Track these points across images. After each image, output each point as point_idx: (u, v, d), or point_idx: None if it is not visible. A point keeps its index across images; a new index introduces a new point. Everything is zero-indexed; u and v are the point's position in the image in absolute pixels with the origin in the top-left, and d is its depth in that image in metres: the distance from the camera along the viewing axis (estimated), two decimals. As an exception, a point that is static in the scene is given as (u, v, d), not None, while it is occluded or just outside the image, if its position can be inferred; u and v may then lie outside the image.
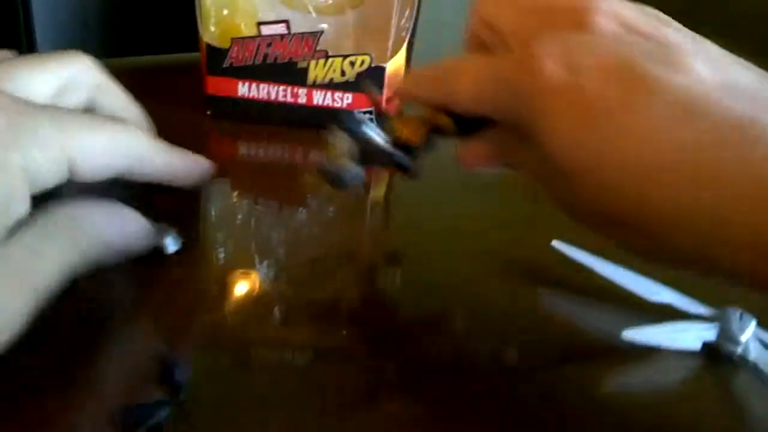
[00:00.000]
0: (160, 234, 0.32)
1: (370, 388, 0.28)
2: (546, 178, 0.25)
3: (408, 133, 0.29)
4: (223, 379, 0.27)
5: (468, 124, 0.27)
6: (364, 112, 0.48)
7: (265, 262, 0.35)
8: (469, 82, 0.26)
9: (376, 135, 0.29)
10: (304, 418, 0.26)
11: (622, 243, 0.24)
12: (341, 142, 0.29)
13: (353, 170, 0.29)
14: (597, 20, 0.23)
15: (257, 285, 0.33)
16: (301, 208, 0.42)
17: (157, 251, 0.32)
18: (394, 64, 0.47)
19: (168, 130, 0.49)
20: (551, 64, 0.22)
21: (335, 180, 0.29)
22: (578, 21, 0.24)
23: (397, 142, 0.29)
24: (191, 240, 0.34)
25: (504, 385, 0.29)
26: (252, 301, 0.32)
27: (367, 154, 0.29)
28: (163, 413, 0.24)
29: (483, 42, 0.27)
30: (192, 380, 0.25)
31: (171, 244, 0.32)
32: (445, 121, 0.28)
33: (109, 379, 0.26)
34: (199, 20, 0.46)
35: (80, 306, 0.31)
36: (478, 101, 0.26)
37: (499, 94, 0.25)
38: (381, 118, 0.30)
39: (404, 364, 0.30)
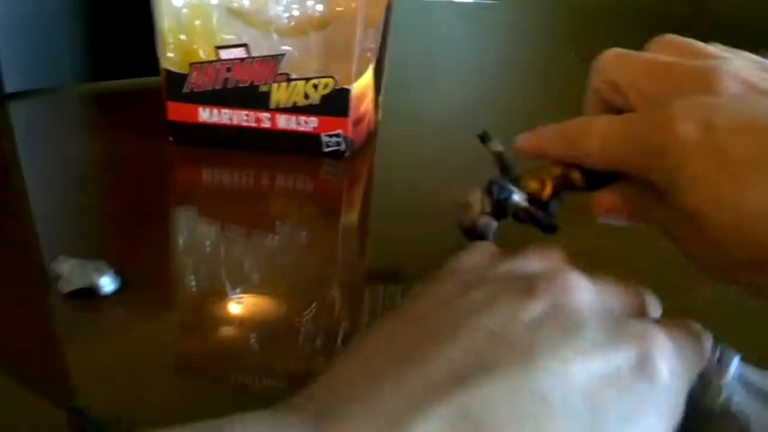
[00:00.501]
0: (96, 273, 0.31)
1: None
2: (680, 232, 0.26)
3: (538, 187, 0.30)
4: None
5: (598, 179, 0.29)
6: (331, 135, 0.47)
7: (236, 288, 0.34)
8: (600, 141, 0.27)
9: (514, 194, 0.30)
10: None
11: (759, 287, 0.25)
12: (477, 199, 0.30)
13: (493, 225, 0.30)
14: (723, 83, 0.25)
15: (227, 310, 0.32)
16: (270, 234, 0.41)
17: (92, 291, 0.31)
18: (360, 86, 0.46)
19: (131, 156, 0.48)
20: (687, 124, 0.24)
21: (478, 236, 0.30)
22: (705, 83, 0.25)
23: (529, 198, 0.30)
24: (137, 275, 0.33)
25: None
26: (224, 326, 0.31)
27: (504, 210, 0.30)
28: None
29: (605, 100, 0.29)
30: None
31: (106, 285, 0.31)
32: (575, 176, 0.29)
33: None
34: (157, 46, 0.45)
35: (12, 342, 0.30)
36: (610, 159, 0.27)
37: (632, 153, 0.26)
38: (505, 172, 0.31)
39: None
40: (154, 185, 0.45)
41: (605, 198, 0.29)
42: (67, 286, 0.31)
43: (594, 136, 0.28)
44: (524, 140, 0.31)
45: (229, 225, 0.41)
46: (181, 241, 0.39)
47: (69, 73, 0.56)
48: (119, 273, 0.32)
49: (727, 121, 0.24)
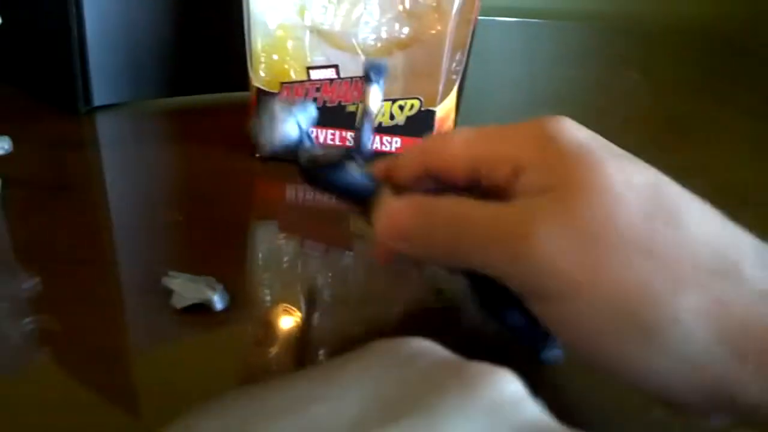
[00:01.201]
0: (207, 290, 0.32)
1: None
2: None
3: None
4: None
5: None
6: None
7: (316, 312, 0.35)
8: (462, 141, 0.28)
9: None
10: None
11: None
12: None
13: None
14: None
15: (300, 326, 0.33)
16: (347, 251, 0.41)
17: (204, 307, 0.32)
18: (444, 108, 0.47)
19: (217, 171, 0.50)
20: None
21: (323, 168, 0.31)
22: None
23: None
24: (239, 293, 0.34)
25: None
26: (293, 341, 0.31)
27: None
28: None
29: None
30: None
31: (219, 302, 0.32)
32: None
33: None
34: (249, 65, 0.46)
35: (127, 363, 0.31)
36: (471, 159, 0.28)
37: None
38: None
39: None
40: (243, 200, 0.46)
41: None
42: (181, 302, 0.32)
43: (456, 139, 0.28)
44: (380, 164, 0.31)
45: (322, 243, 0.42)
46: (282, 258, 0.40)
47: (154, 87, 0.57)
48: (227, 289, 0.33)
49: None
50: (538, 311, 0.24)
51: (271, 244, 0.42)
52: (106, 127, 0.56)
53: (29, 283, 0.35)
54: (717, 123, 0.60)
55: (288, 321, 0.33)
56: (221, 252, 0.39)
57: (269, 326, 0.33)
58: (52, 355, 0.30)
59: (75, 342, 0.31)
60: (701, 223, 0.23)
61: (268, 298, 0.35)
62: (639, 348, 0.22)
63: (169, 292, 0.33)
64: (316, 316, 0.34)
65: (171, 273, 0.33)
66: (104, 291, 0.35)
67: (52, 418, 0.27)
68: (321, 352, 0.32)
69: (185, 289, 0.32)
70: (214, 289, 0.32)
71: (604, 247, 0.22)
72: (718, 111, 0.63)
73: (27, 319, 0.33)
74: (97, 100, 0.55)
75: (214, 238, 0.41)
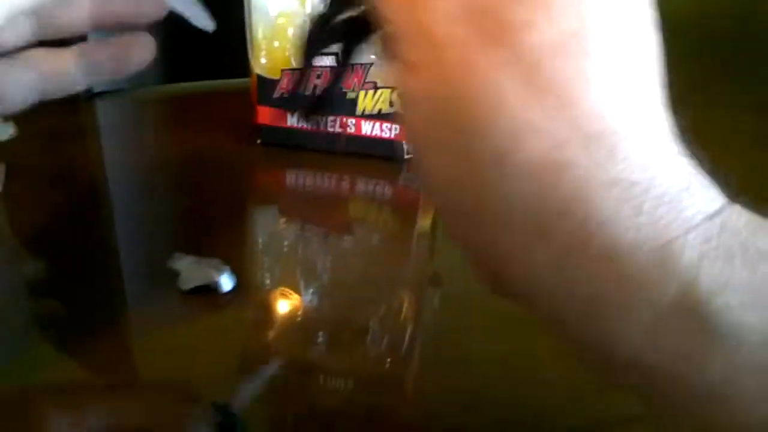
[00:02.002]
0: (214, 271, 0.33)
1: (419, 414, 0.28)
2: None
3: None
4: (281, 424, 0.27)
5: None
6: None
7: (310, 289, 0.35)
8: None
9: None
10: None
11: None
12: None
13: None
14: None
15: (300, 310, 0.33)
16: (347, 236, 0.42)
17: (210, 289, 0.33)
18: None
19: (219, 156, 0.50)
20: None
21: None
22: None
23: None
24: (242, 275, 0.34)
25: None
26: (294, 326, 0.32)
27: None
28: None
29: None
30: (246, 428, 0.25)
31: (226, 283, 0.33)
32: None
33: (160, 424, 0.26)
34: (249, 51, 0.47)
35: (134, 345, 0.32)
36: None
37: None
38: None
39: (452, 393, 0.29)
40: (244, 185, 0.47)
41: None
42: (187, 284, 0.33)
43: None
44: None
45: (322, 227, 0.42)
46: (283, 242, 0.41)
47: (154, 73, 0.58)
48: (234, 271, 0.34)
49: None
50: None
51: (272, 229, 0.43)
52: (106, 113, 0.56)
53: (33, 269, 0.36)
54: (710, 115, 0.61)
55: (290, 303, 0.34)
56: (223, 236, 0.40)
57: (272, 308, 0.34)
58: (58, 340, 0.31)
59: (81, 326, 0.31)
60: None
61: (269, 281, 0.36)
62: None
63: (175, 274, 0.33)
64: (316, 299, 0.35)
65: (177, 255, 0.34)
66: (109, 275, 0.36)
67: (59, 403, 0.27)
68: (320, 334, 0.32)
69: (191, 270, 0.33)
70: (220, 271, 0.33)
71: None
72: (707, 104, 0.64)
73: (32, 305, 0.33)
74: (97, 86, 0.56)
75: (216, 222, 0.41)
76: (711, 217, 0.17)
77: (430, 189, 0.20)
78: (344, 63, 0.27)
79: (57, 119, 0.53)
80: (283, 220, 0.44)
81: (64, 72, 0.28)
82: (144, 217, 0.42)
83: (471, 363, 0.31)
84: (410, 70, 0.19)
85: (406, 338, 0.33)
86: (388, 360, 0.31)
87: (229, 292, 0.33)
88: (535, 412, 0.28)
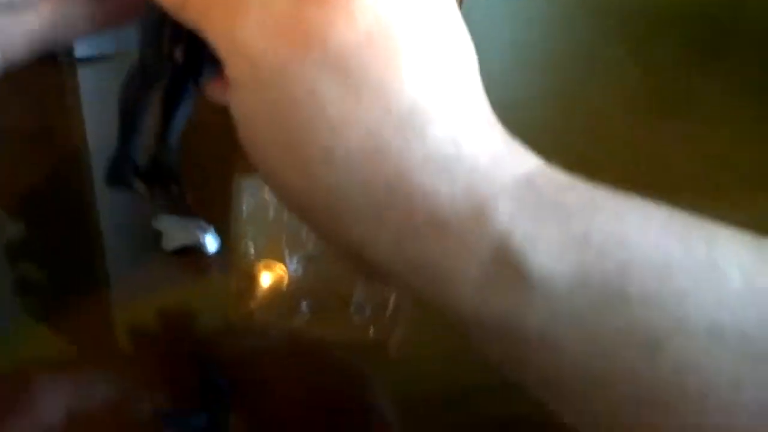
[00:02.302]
0: (199, 231, 0.32)
1: (403, 379, 0.28)
2: None
3: None
4: (266, 386, 0.26)
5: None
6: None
7: (294, 258, 0.34)
8: None
9: None
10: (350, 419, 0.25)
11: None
12: None
13: None
14: None
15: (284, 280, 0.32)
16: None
17: (195, 250, 0.32)
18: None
19: (203, 120, 0.48)
20: None
21: None
22: None
23: None
24: (227, 238, 0.33)
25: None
26: (278, 295, 0.31)
27: None
28: (201, 419, 0.23)
29: None
30: (233, 388, 0.24)
31: (211, 244, 0.32)
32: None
33: (147, 384, 0.26)
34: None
35: (117, 307, 0.31)
36: None
37: None
38: None
39: (436, 358, 0.29)
40: (232, 151, 0.46)
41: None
42: (171, 244, 0.32)
43: None
44: None
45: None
46: (268, 210, 0.40)
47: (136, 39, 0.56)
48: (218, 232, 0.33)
49: None
50: None
51: (257, 197, 0.42)
52: (87, 76, 0.54)
53: (12, 231, 0.35)
54: (701, 97, 0.61)
55: (275, 271, 0.33)
56: (208, 202, 0.39)
57: (257, 275, 0.33)
58: (39, 303, 0.30)
59: (62, 288, 0.30)
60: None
61: (253, 248, 0.35)
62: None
63: (158, 235, 0.32)
64: (301, 267, 0.34)
65: (160, 215, 0.33)
66: (90, 237, 0.35)
67: (41, 368, 0.27)
68: (304, 303, 0.32)
69: (175, 230, 0.32)
70: (205, 231, 0.32)
71: None
72: (703, 86, 0.64)
73: (11, 269, 0.32)
74: (79, 51, 0.54)
75: (201, 188, 0.40)
76: (520, 180, 0.19)
77: (277, 193, 0.22)
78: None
79: (37, 82, 0.52)
80: (268, 187, 0.43)
81: (70, 18, 0.27)
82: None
83: (455, 329, 0.30)
84: (234, 87, 0.20)
85: (390, 305, 0.32)
86: (372, 327, 0.31)
87: (214, 256, 0.32)
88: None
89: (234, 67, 0.20)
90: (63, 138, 0.45)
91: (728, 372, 0.16)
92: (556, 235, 0.18)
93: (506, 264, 0.18)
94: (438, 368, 0.28)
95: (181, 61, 0.27)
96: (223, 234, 0.33)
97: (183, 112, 0.29)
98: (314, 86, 0.19)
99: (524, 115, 0.54)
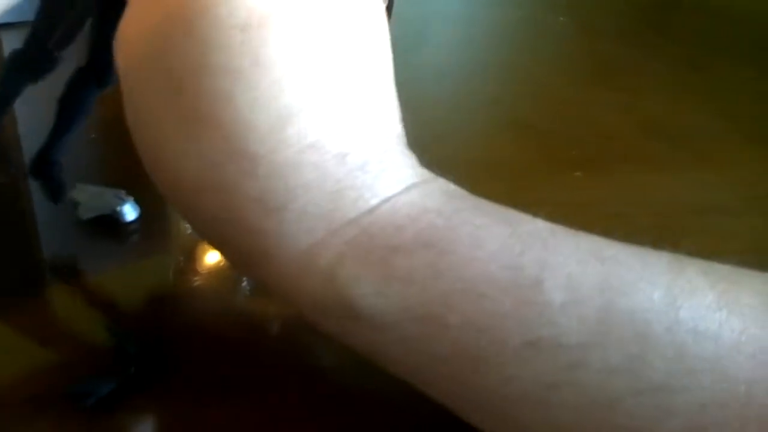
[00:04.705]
0: (116, 200, 0.30)
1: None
2: None
3: None
4: (179, 352, 0.25)
5: None
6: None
7: None
8: None
9: None
10: (266, 390, 0.24)
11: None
12: None
13: None
14: None
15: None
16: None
17: (113, 220, 0.30)
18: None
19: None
20: None
21: None
22: None
23: None
24: (148, 208, 0.32)
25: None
26: (214, 272, 0.30)
27: None
28: (110, 385, 0.22)
29: None
30: (143, 352, 0.24)
31: (129, 213, 0.30)
32: None
33: (59, 350, 0.25)
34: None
35: (32, 271, 0.29)
36: None
37: None
38: None
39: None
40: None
41: None
42: (87, 213, 0.30)
43: None
44: None
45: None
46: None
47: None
48: (138, 202, 0.31)
49: None
50: None
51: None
52: (11, 42, 0.52)
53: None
54: (643, 68, 0.61)
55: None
56: (131, 168, 0.37)
57: (180, 244, 0.32)
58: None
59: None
60: None
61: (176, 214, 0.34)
62: None
63: (75, 204, 0.31)
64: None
65: (78, 186, 0.31)
66: (9, 204, 0.33)
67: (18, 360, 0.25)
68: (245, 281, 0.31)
69: (92, 200, 0.31)
70: (123, 200, 0.30)
71: None
72: (644, 57, 0.64)
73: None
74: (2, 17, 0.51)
75: (124, 154, 0.38)
76: (352, 221, 0.19)
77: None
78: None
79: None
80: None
81: None
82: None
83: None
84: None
85: None
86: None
87: (133, 224, 0.31)
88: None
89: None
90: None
91: (544, 378, 0.18)
92: (380, 274, 0.19)
93: (332, 301, 0.19)
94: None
95: (84, 64, 0.27)
96: (146, 202, 0.32)
97: (81, 115, 0.28)
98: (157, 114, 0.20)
99: (471, 86, 0.53)
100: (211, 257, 0.31)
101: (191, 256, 0.31)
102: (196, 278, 0.30)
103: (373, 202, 0.19)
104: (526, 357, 0.18)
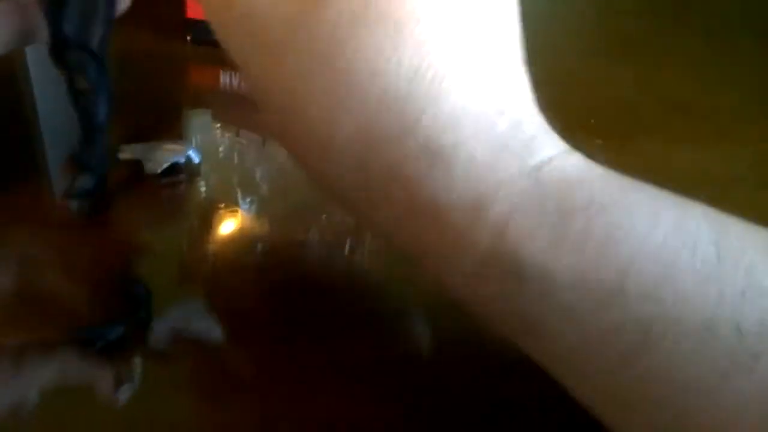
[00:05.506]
0: (178, 148, 0.31)
1: (352, 322, 0.27)
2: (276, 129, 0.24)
3: None
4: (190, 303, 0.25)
5: None
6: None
7: (247, 198, 0.33)
8: None
9: None
10: (266, 350, 0.24)
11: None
12: None
13: None
14: None
15: (237, 220, 0.31)
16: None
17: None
18: None
19: (145, 55, 0.46)
20: None
21: None
22: None
23: None
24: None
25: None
26: (231, 236, 0.30)
27: None
28: (118, 331, 0.22)
29: None
30: (151, 299, 0.23)
31: (195, 155, 0.31)
32: None
33: (67, 296, 0.24)
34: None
35: (42, 218, 0.29)
36: None
37: None
38: None
39: (380, 307, 0.28)
40: (176, 87, 0.44)
41: None
42: (158, 166, 0.30)
43: None
44: None
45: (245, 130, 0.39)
46: (218, 148, 0.38)
47: None
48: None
49: None
50: None
51: (205, 135, 0.40)
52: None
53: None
54: (662, 42, 0.61)
55: (227, 212, 0.32)
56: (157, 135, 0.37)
57: (209, 219, 0.31)
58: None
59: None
60: None
61: (204, 189, 0.33)
62: None
63: (134, 163, 0.30)
64: (254, 208, 0.32)
65: (122, 146, 0.31)
66: (33, 174, 0.32)
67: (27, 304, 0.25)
68: (258, 245, 0.30)
69: (151, 153, 0.30)
70: (183, 146, 0.30)
71: None
72: (663, 32, 0.63)
73: None
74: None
75: (143, 129, 0.38)
76: (524, 175, 0.18)
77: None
78: None
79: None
80: (216, 125, 0.41)
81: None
82: (68, 120, 0.38)
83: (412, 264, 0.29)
84: None
85: (347, 247, 0.31)
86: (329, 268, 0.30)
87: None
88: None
89: None
90: (7, 80, 0.42)
91: (718, 365, 0.17)
92: (554, 233, 0.18)
93: (500, 257, 0.18)
94: (394, 306, 0.28)
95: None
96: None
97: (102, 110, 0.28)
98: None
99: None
100: (226, 222, 0.31)
101: (207, 220, 0.31)
102: (210, 241, 0.29)
103: (539, 158, 0.19)
104: (704, 340, 0.17)
